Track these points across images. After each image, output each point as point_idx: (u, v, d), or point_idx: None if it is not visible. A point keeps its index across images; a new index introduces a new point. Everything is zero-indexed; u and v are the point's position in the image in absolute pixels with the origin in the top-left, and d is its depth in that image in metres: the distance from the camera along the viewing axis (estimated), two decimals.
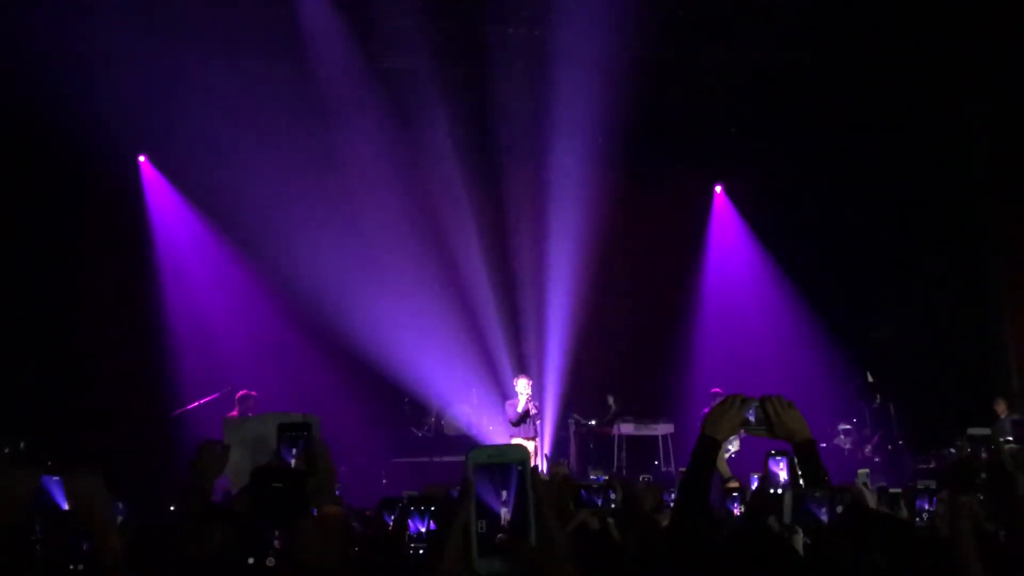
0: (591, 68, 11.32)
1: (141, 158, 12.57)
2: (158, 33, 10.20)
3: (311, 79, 11.22)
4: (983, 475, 3.46)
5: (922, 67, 11.60)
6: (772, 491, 3.14)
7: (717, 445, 2.60)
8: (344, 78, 11.24)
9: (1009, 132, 11.65)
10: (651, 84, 11.66)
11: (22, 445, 8.77)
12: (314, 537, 2.59)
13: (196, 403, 11.09)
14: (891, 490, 5.02)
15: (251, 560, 2.16)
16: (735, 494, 4.52)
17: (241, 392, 10.70)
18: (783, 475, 3.20)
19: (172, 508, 6.77)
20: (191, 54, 10.36)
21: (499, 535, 1.49)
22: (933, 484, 4.74)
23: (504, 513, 1.50)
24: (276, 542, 2.18)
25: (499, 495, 1.53)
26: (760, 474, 6.16)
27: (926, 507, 4.10)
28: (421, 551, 3.02)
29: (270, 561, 2.15)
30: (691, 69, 12.09)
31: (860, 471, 6.02)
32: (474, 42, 11.19)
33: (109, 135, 10.97)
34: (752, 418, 2.64)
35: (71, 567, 2.34)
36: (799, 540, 2.81)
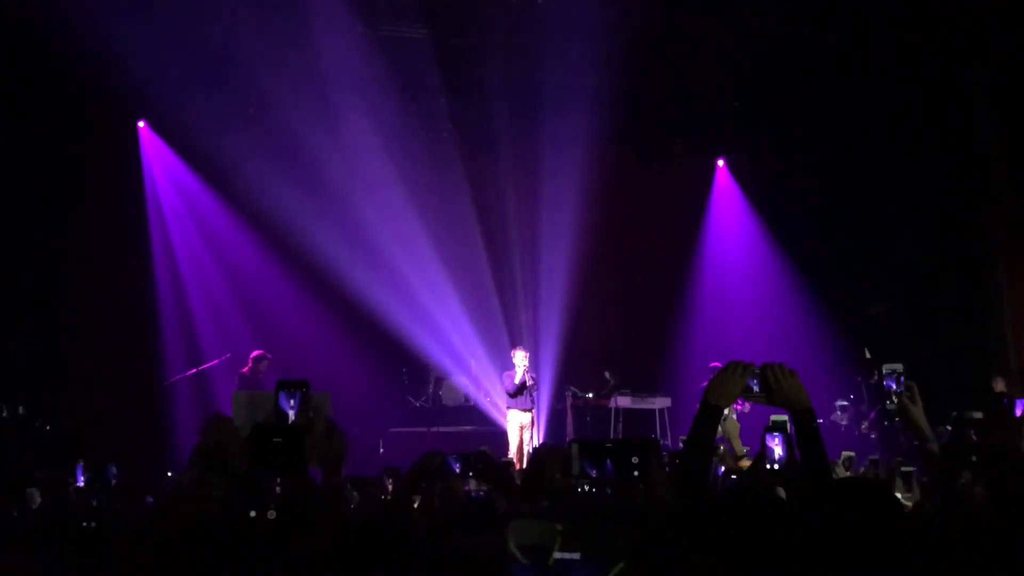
0: (591, 39, 11.15)
1: (141, 123, 12.47)
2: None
3: (310, 46, 11.10)
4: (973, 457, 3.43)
5: (927, 42, 11.48)
6: (768, 466, 3.15)
7: (719, 412, 2.59)
8: (342, 45, 11.11)
9: (1013, 109, 11.54)
10: (653, 56, 11.53)
11: (21, 410, 8.79)
12: (320, 496, 2.59)
13: (194, 370, 11.13)
14: (903, 468, 5.04)
15: (253, 513, 2.15)
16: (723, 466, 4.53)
17: (256, 352, 10.68)
18: (779, 451, 3.21)
19: (169, 474, 6.81)
20: (192, 19, 10.25)
21: None
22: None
23: None
24: (278, 489, 2.18)
25: None
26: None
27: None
28: None
29: (271, 514, 2.15)
30: (694, 41, 11.92)
31: (844, 453, 6.08)
32: (472, 10, 11.03)
33: (109, 99, 10.92)
34: (755, 386, 2.62)
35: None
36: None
